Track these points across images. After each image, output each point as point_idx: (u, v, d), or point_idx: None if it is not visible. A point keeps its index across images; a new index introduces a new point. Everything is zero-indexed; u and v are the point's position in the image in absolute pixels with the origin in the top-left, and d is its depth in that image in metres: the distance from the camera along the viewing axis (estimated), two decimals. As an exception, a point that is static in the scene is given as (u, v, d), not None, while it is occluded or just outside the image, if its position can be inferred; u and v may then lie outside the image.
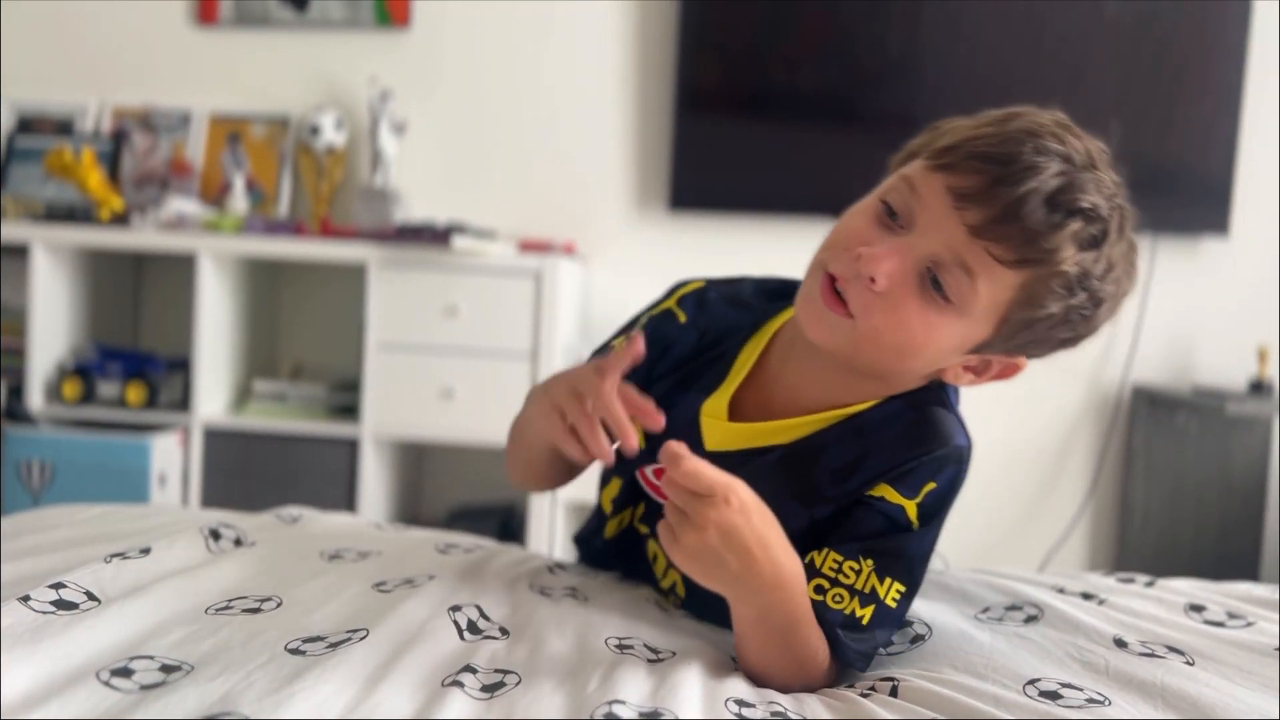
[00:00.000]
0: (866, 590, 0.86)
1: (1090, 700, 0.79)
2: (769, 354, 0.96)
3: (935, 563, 0.96)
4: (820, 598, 0.86)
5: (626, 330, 1.05)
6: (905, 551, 0.88)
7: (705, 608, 1.00)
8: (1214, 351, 2.70)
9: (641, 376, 0.98)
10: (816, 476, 0.91)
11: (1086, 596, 1.05)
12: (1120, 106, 2.63)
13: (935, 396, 0.92)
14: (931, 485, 0.88)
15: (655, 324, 1.00)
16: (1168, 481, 2.62)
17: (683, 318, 0.99)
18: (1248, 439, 2.59)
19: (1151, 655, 0.88)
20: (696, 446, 0.95)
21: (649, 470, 1.01)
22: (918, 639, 0.93)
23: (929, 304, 0.81)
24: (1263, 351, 2.48)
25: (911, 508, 0.88)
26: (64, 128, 2.86)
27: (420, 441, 2.63)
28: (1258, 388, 2.46)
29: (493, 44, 2.81)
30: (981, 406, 2.72)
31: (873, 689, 0.84)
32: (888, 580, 0.87)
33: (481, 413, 2.38)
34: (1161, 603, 1.04)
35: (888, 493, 0.88)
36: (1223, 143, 2.60)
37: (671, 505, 0.78)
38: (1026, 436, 2.76)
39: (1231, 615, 1.00)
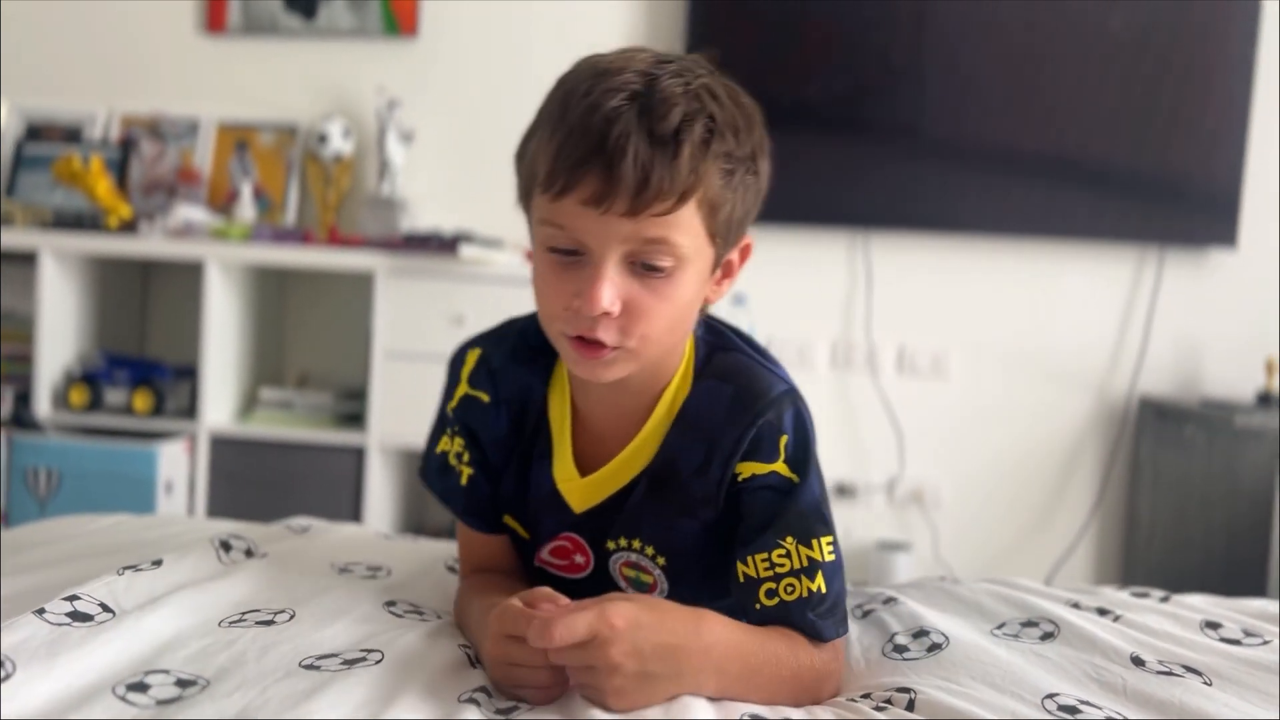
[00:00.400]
0: (805, 564, 0.87)
1: (1109, 719, 0.79)
2: (575, 396, 0.96)
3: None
4: (774, 600, 0.87)
5: (441, 428, 1.02)
6: (806, 507, 0.88)
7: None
8: (1221, 363, 2.70)
9: (489, 473, 0.98)
10: (684, 485, 0.92)
11: (1102, 612, 1.04)
12: (1127, 118, 2.63)
13: (732, 359, 0.94)
14: (784, 438, 0.89)
15: (463, 415, 0.98)
16: (1175, 494, 2.61)
17: (485, 398, 0.97)
18: (1255, 451, 2.58)
19: (1169, 674, 0.88)
20: (566, 514, 0.96)
21: (545, 553, 1.00)
22: (935, 647, 0.93)
23: (658, 281, 0.83)
24: (1270, 363, 2.48)
25: (781, 467, 0.89)
26: (72, 135, 2.86)
27: (426, 450, 2.63)
28: (1266, 400, 2.46)
29: (500, 53, 2.82)
30: (989, 417, 2.73)
31: (889, 701, 0.84)
32: (813, 541, 0.87)
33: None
34: (1177, 619, 1.03)
35: (754, 468, 0.89)
36: (1230, 154, 2.60)
37: (575, 670, 0.78)
38: (1033, 447, 2.75)
39: (1248, 633, 1.00)
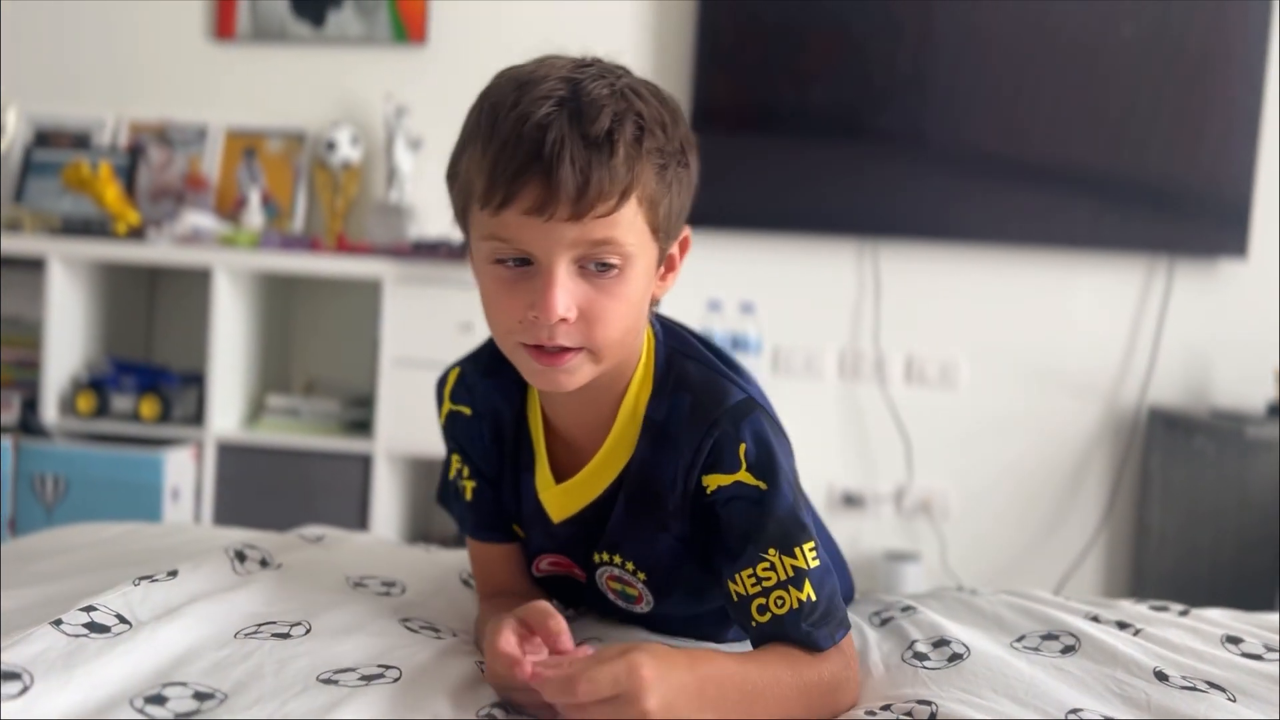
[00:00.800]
0: (791, 573, 0.86)
1: (1134, 736, 0.78)
2: (544, 406, 0.97)
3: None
4: (766, 616, 0.86)
5: (452, 451, 1.03)
6: (783, 516, 0.87)
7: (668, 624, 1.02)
8: (1232, 374, 2.69)
9: (489, 483, 1.00)
10: (658, 499, 0.92)
11: (1122, 625, 1.03)
12: (1137, 127, 2.62)
13: (691, 367, 0.93)
14: (743, 446, 0.88)
15: (453, 430, 1.01)
16: (1184, 505, 2.60)
17: (468, 411, 1.00)
18: (1266, 462, 2.57)
19: (1194, 689, 0.87)
20: (547, 524, 0.97)
21: (544, 564, 1.02)
22: (956, 657, 0.92)
23: (609, 282, 0.83)
24: (1281, 374, 2.47)
25: (745, 476, 0.88)
26: (81, 142, 2.87)
27: (434, 458, 2.62)
28: (1276, 411, 2.45)
29: (508, 60, 2.80)
30: (998, 427, 2.72)
31: (909, 714, 0.83)
32: (797, 550, 0.86)
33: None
34: (1198, 634, 1.02)
35: (718, 480, 0.89)
36: (1241, 164, 2.59)
37: None
38: (1042, 458, 2.74)
39: (1269, 648, 0.99)
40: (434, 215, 2.78)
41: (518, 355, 0.87)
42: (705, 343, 0.98)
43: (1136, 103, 2.62)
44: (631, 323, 0.87)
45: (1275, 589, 2.55)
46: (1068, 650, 0.96)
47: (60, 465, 2.41)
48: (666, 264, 0.92)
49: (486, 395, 0.99)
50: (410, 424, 2.45)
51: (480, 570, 1.05)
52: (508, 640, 0.79)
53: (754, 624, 0.87)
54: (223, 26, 2.86)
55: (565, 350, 0.84)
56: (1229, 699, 0.86)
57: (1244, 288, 2.67)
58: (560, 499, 0.96)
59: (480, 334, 2.71)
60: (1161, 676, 0.89)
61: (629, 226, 0.82)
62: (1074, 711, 0.82)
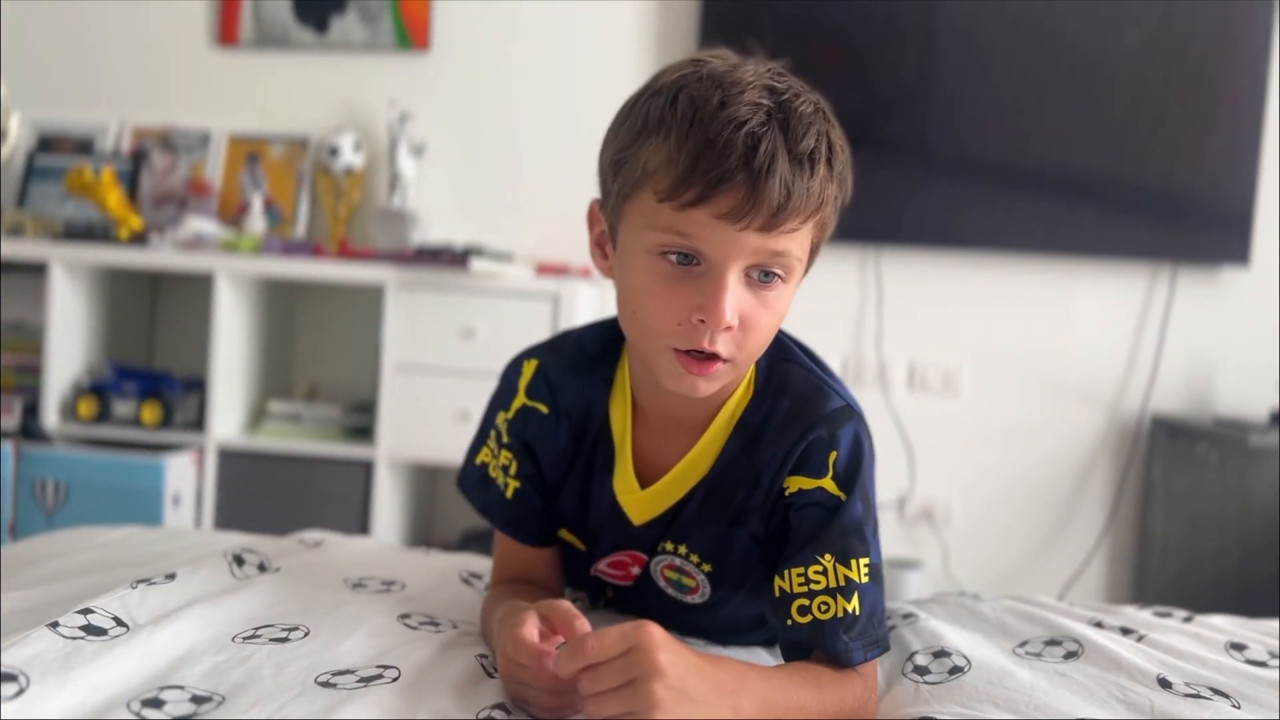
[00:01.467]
0: (842, 583, 0.85)
1: (1138, 742, 0.78)
2: (638, 405, 0.96)
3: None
4: (806, 618, 0.85)
5: (483, 438, 1.01)
6: (847, 527, 0.87)
7: (708, 637, 1.03)
8: (1234, 382, 2.68)
9: (540, 486, 0.98)
10: (736, 496, 0.93)
11: (1125, 632, 1.03)
12: (1139, 135, 2.62)
13: (792, 371, 0.94)
14: (834, 454, 0.89)
15: (521, 426, 0.98)
16: (1187, 513, 2.60)
17: (544, 409, 0.97)
18: (1269, 470, 2.56)
19: (1197, 697, 0.86)
20: (626, 527, 0.96)
21: (603, 565, 1.01)
22: (956, 670, 0.92)
23: (769, 294, 0.84)
24: (1285, 382, 2.46)
25: (828, 484, 0.88)
26: (84, 147, 2.87)
27: (435, 464, 2.62)
28: (1279, 419, 2.44)
29: (512, 67, 2.82)
30: (1001, 435, 2.71)
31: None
32: (853, 561, 0.86)
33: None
34: (1201, 640, 1.02)
35: (800, 482, 0.89)
36: (1243, 172, 2.59)
37: (608, 696, 0.72)
38: (1045, 466, 2.74)
39: (1273, 654, 0.98)
40: (437, 221, 2.78)
41: (662, 359, 0.85)
42: (803, 347, 0.98)
43: (1139, 110, 2.62)
44: (772, 334, 0.88)
45: (1278, 596, 2.54)
46: (1070, 656, 0.95)
47: (61, 471, 2.41)
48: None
49: (574, 394, 0.97)
50: (412, 430, 2.45)
51: (501, 559, 1.03)
52: (531, 631, 0.78)
53: (790, 622, 0.86)
54: (226, 32, 2.87)
55: (715, 359, 0.83)
56: (1233, 705, 0.86)
57: (1246, 295, 2.67)
58: (645, 503, 0.95)
59: (483, 341, 2.69)
60: (1165, 683, 0.89)
61: (801, 243, 0.83)
62: (1076, 721, 0.81)
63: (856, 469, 0.89)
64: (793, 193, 0.79)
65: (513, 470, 0.98)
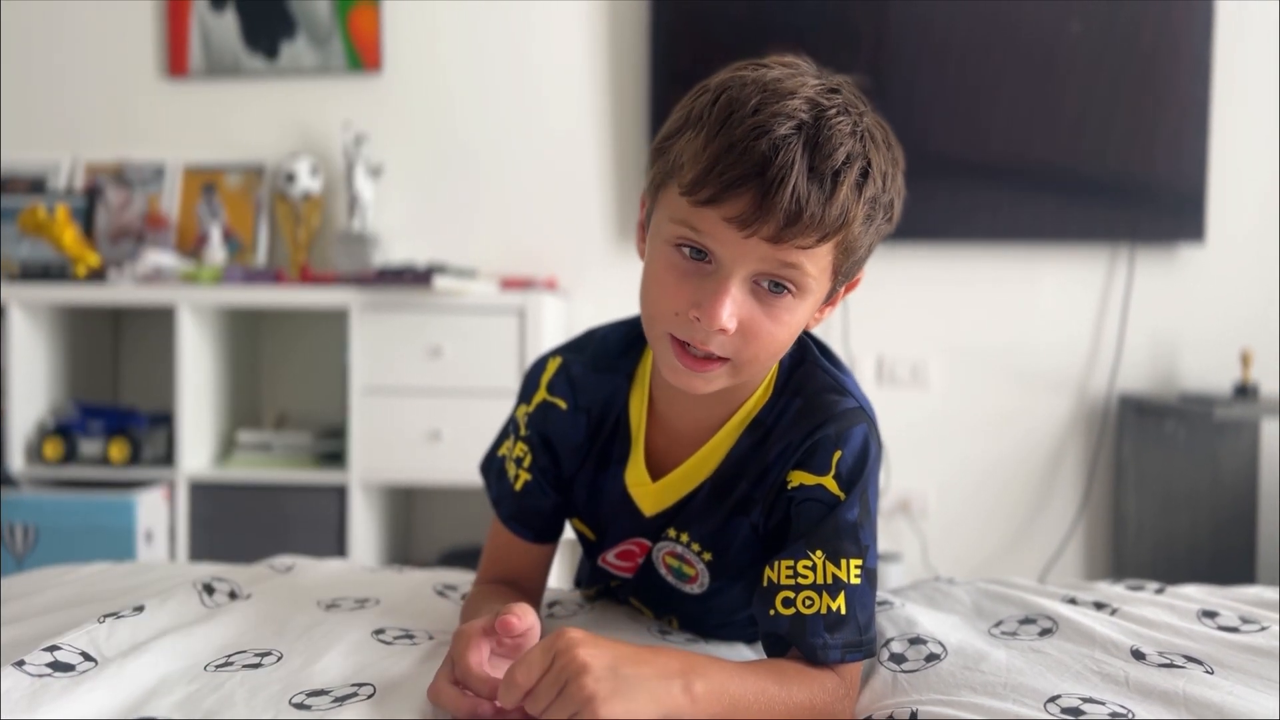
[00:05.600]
0: (829, 581, 0.86)
1: (1114, 714, 0.78)
2: (655, 400, 0.97)
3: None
4: (790, 610, 0.85)
5: (507, 431, 1.03)
6: (842, 526, 0.87)
7: (703, 630, 1.04)
8: (1198, 357, 2.72)
9: (553, 479, 1.00)
10: (741, 485, 0.94)
11: (1099, 606, 1.04)
12: (1090, 120, 2.65)
13: (809, 372, 0.94)
14: (838, 454, 0.89)
15: (540, 420, 0.99)
16: (1159, 489, 2.63)
17: (563, 404, 0.98)
18: (1236, 442, 2.60)
19: (1171, 665, 0.87)
20: (637, 518, 0.98)
21: (611, 556, 1.03)
22: (933, 658, 0.92)
23: (778, 306, 0.83)
24: (1246, 355, 2.50)
25: (829, 482, 0.88)
26: (37, 186, 2.84)
27: (409, 485, 2.61)
28: (1243, 391, 2.47)
29: (464, 82, 2.82)
30: (971, 423, 2.73)
31: (891, 718, 0.83)
32: (843, 561, 0.86)
33: (470, 453, 2.34)
34: (1174, 610, 1.03)
35: (803, 478, 0.89)
36: (1193, 151, 2.63)
37: (557, 704, 0.72)
38: (1017, 452, 2.76)
39: (1245, 620, 0.99)
40: (398, 241, 2.77)
41: (662, 344, 0.86)
42: (826, 351, 0.98)
43: (1090, 98, 2.65)
44: (782, 348, 0.87)
45: (1252, 565, 2.57)
46: (1045, 633, 0.96)
47: (29, 514, 2.37)
48: (830, 299, 0.91)
49: (593, 390, 0.98)
50: (384, 452, 2.43)
51: (491, 554, 1.04)
52: (478, 658, 0.78)
53: (773, 613, 0.86)
54: (175, 64, 2.85)
55: (712, 359, 0.84)
56: (1207, 672, 0.86)
57: (1203, 271, 2.71)
58: (655, 495, 0.97)
59: (450, 359, 2.68)
60: (1139, 654, 0.90)
61: (817, 261, 0.82)
62: (1052, 700, 0.81)
63: (860, 471, 0.89)
64: (805, 208, 0.78)
65: (526, 463, 1.00)
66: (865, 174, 0.81)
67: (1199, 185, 2.63)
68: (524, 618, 0.80)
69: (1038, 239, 2.72)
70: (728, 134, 0.79)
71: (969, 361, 2.76)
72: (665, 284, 0.84)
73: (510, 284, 2.53)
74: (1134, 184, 2.66)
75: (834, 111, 0.80)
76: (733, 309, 0.81)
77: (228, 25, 2.83)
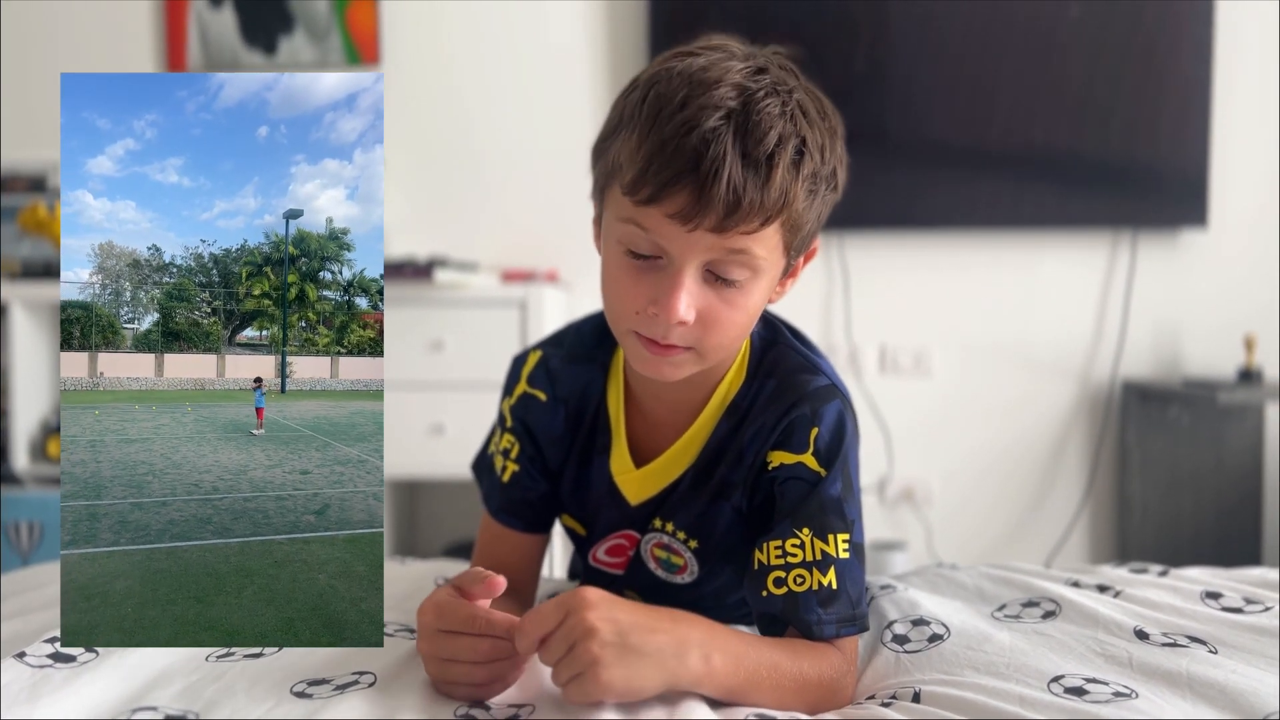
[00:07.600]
0: (818, 557, 0.86)
1: (1117, 694, 0.78)
2: (632, 390, 0.99)
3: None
4: (782, 590, 0.86)
5: (496, 428, 1.05)
6: (826, 502, 0.88)
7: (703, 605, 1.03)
8: (1201, 343, 2.71)
9: (540, 467, 1.01)
10: (722, 469, 0.95)
11: (1102, 589, 1.04)
12: (1092, 106, 2.64)
13: (781, 353, 0.95)
14: (815, 431, 0.90)
15: (522, 412, 1.01)
16: (1163, 474, 2.62)
17: (543, 396, 1.00)
18: (1240, 427, 2.59)
19: (1174, 645, 0.87)
20: (624, 507, 0.99)
21: (600, 552, 1.04)
22: (936, 638, 0.92)
23: (732, 291, 0.84)
24: (1249, 340, 2.49)
25: (809, 459, 0.90)
26: (37, 185, 2.83)
27: (412, 479, 2.61)
28: (1247, 376, 2.47)
29: (463, 77, 2.81)
30: (975, 411, 2.73)
31: (894, 697, 0.83)
32: (830, 537, 0.87)
33: (473, 446, 2.34)
34: (1177, 592, 1.02)
35: (782, 457, 0.91)
36: (1195, 135, 2.62)
37: (560, 667, 0.74)
38: (1021, 439, 2.75)
39: (1249, 601, 0.99)
40: (398, 235, 2.77)
41: (628, 340, 0.88)
42: (795, 332, 0.99)
43: (1090, 82, 2.64)
44: (743, 330, 0.88)
45: (1258, 549, 2.57)
46: (1048, 615, 0.96)
47: (35, 511, 2.38)
48: (789, 272, 0.92)
49: (570, 381, 1.00)
50: (387, 445, 2.43)
51: (482, 549, 1.05)
52: (453, 593, 0.79)
53: (765, 594, 0.87)
54: (174, 60, 2.84)
55: (675, 346, 0.85)
56: (1210, 651, 0.86)
57: (1205, 257, 2.70)
58: (640, 482, 0.98)
59: (452, 352, 2.68)
60: (1142, 635, 0.89)
61: (766, 242, 0.83)
62: (1056, 680, 0.81)
63: (838, 447, 0.90)
64: (743, 196, 0.78)
65: (513, 454, 1.01)
66: (801, 152, 0.82)
67: (1201, 170, 2.62)
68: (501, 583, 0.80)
69: (1040, 226, 2.71)
70: (659, 132, 0.80)
71: (972, 349, 2.75)
72: (621, 284, 0.85)
73: (511, 277, 2.52)
74: (1136, 169, 2.64)
75: (762, 94, 0.81)
76: (689, 301, 0.82)
77: (226, 22, 2.83)
